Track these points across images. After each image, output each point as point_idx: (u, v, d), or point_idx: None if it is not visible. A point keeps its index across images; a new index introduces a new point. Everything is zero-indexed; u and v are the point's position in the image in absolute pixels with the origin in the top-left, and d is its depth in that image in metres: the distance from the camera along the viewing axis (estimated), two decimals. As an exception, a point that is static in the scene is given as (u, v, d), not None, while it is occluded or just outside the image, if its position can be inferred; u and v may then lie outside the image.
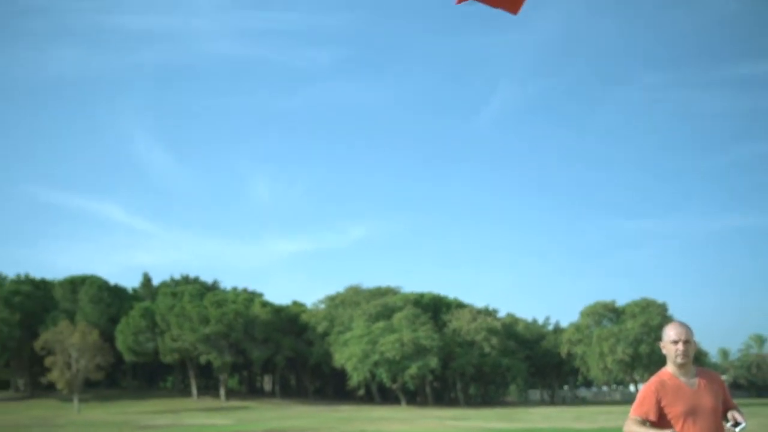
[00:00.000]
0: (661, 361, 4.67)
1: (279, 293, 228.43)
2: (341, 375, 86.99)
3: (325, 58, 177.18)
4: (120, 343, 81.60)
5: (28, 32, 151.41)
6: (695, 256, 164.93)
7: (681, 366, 4.43)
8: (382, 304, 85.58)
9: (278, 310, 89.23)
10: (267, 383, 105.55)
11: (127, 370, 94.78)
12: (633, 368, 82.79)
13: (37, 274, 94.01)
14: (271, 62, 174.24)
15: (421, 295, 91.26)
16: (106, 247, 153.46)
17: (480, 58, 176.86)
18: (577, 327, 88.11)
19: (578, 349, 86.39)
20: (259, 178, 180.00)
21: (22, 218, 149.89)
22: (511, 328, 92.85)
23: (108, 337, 79.21)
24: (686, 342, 4.41)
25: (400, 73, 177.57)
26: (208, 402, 79.80)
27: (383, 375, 79.32)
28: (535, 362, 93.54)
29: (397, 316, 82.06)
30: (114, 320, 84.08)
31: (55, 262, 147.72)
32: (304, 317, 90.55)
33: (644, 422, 4.35)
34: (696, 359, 4.58)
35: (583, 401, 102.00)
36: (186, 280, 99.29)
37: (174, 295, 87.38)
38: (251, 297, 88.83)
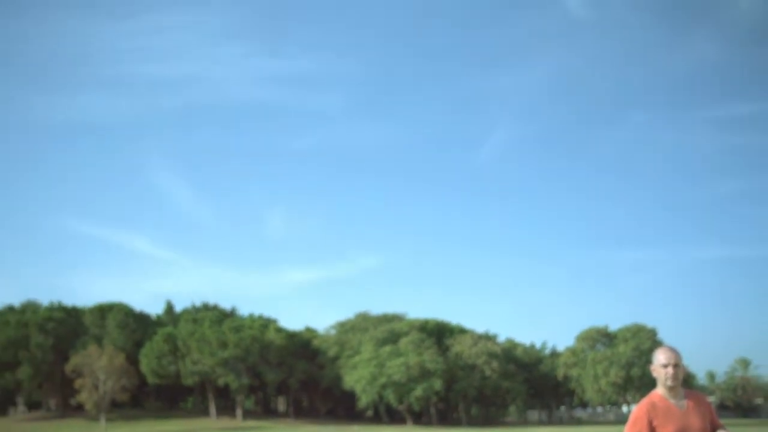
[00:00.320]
0: (652, 383, 4.68)
1: (292, 319, 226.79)
2: (351, 396, 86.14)
3: (336, 100, 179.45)
4: (144, 366, 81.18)
5: (62, 78, 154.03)
6: (684, 284, 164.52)
7: (671, 389, 4.43)
8: (389, 330, 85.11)
9: (292, 336, 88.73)
10: (281, 404, 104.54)
11: (150, 391, 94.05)
12: (626, 390, 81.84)
13: (68, 301, 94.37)
14: (285, 105, 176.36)
15: (426, 321, 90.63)
16: (132, 276, 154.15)
17: (481, 99, 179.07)
18: (572, 351, 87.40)
19: (574, 372, 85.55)
20: (274, 212, 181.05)
21: (56, 249, 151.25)
22: (510, 352, 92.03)
23: (133, 361, 78.92)
24: (675, 366, 4.40)
25: (406, 113, 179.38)
26: (226, 422, 79.07)
27: (390, 396, 78.56)
28: (533, 384, 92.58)
29: (404, 341, 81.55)
30: (139, 345, 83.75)
31: (85, 289, 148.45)
32: (315, 342, 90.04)
33: (637, 442, 4.37)
34: (684, 381, 4.59)
35: (579, 421, 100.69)
36: (206, 307, 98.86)
37: (195, 321, 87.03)
38: (266, 323, 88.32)
